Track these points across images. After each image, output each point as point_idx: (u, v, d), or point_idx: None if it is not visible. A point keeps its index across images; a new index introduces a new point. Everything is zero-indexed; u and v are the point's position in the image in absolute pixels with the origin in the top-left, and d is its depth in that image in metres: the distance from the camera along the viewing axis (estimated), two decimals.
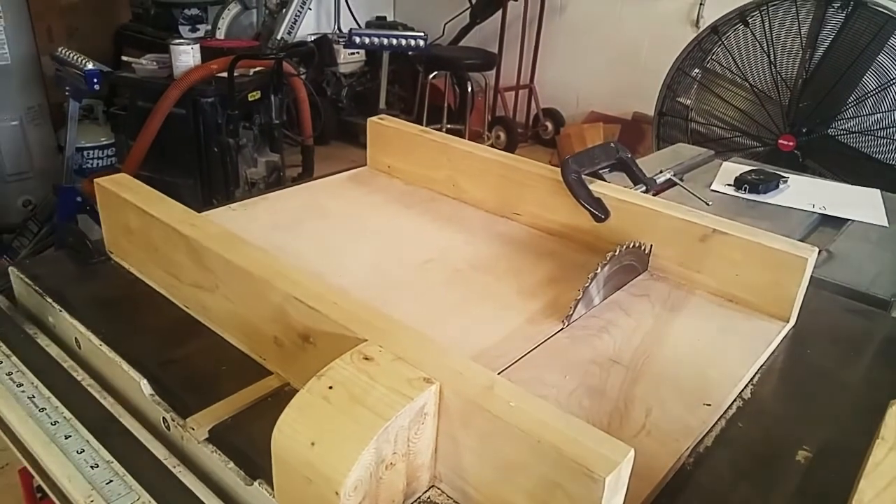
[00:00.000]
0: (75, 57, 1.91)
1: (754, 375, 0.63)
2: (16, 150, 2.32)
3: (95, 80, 1.85)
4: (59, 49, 1.97)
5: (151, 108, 2.02)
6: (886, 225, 1.02)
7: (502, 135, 3.57)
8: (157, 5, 2.62)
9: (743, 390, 0.61)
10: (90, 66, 1.88)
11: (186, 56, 2.07)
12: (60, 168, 2.12)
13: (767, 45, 1.96)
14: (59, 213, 2.04)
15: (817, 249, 0.68)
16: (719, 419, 0.57)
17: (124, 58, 2.28)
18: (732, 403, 0.60)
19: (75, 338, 0.60)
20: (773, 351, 0.67)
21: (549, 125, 3.65)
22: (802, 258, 0.67)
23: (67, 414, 0.52)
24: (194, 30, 2.53)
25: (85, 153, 2.48)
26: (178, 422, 0.50)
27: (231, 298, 0.59)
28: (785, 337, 0.69)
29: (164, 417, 0.51)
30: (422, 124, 3.16)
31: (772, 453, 0.55)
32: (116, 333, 0.59)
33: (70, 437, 0.49)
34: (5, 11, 2.18)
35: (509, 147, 3.50)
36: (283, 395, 0.55)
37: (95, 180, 0.69)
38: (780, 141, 1.99)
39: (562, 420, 0.41)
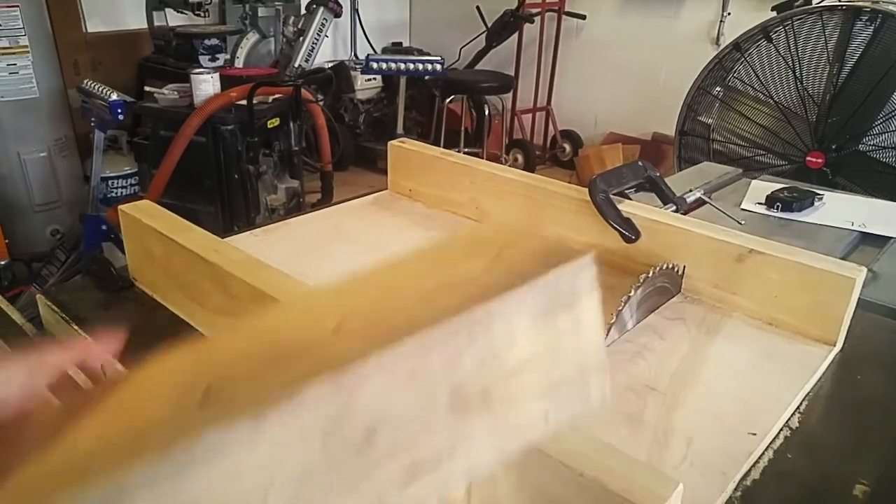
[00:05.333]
0: (100, 88, 1.95)
1: (801, 403, 0.60)
2: (44, 180, 2.37)
3: (119, 111, 1.88)
4: (85, 81, 2.01)
5: (173, 137, 2.05)
6: None
7: (520, 157, 3.57)
8: (178, 37, 2.68)
9: (790, 419, 0.58)
10: (114, 96, 1.91)
11: (206, 85, 2.10)
12: (86, 197, 2.16)
13: (792, 60, 1.93)
14: (85, 242, 2.07)
15: (865, 269, 0.65)
16: (766, 450, 0.54)
17: (147, 88, 2.32)
18: (779, 433, 0.56)
19: (101, 365, 0.59)
20: (820, 377, 0.63)
21: (567, 147, 3.64)
22: (850, 278, 0.64)
23: None
24: (214, 59, 2.58)
25: (109, 182, 2.53)
26: None
27: None
28: (832, 362, 0.65)
29: None
30: None
31: (827, 487, 0.52)
32: (141, 361, 0.58)
33: None
34: (33, 47, 2.25)
35: (527, 170, 3.49)
36: None
37: (119, 207, 0.69)
38: (809, 158, 1.95)
39: (605, 453, 0.39)
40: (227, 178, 2.15)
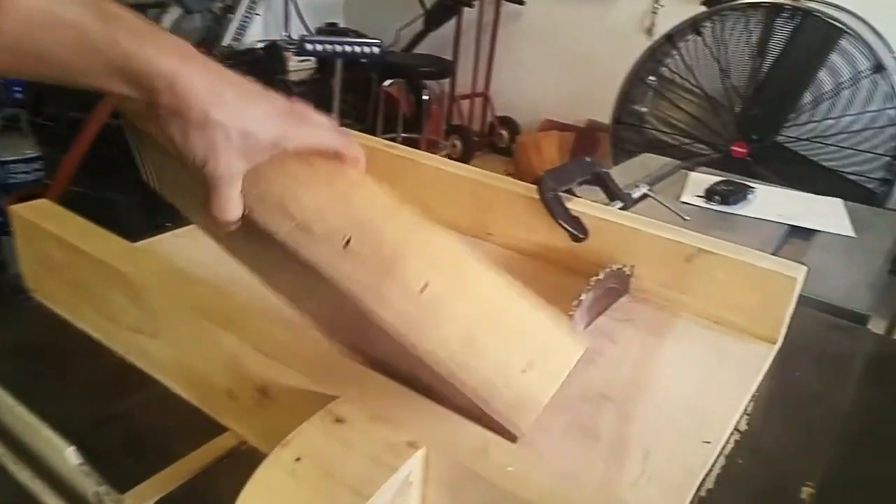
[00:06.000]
0: None
1: (748, 404, 0.60)
2: None
3: (17, 88, 1.71)
4: None
5: (84, 119, 1.88)
6: (854, 235, 1.02)
7: (458, 144, 3.53)
8: None
9: (738, 422, 0.58)
10: None
11: None
12: None
13: (719, 53, 1.99)
14: None
15: (806, 268, 0.66)
16: (718, 457, 0.54)
17: None
18: (729, 437, 0.56)
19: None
20: (763, 376, 0.64)
21: (505, 133, 3.63)
22: (792, 278, 0.64)
23: None
24: None
25: (8, 167, 2.29)
26: (112, 497, 0.42)
27: (176, 345, 0.51)
28: (773, 360, 0.66)
29: (95, 492, 0.43)
30: (376, 134, 3.09)
31: (776, 491, 0.52)
32: (39, 389, 0.51)
33: None
34: None
35: (465, 156, 3.46)
36: (240, 456, 0.48)
37: (10, 208, 0.60)
38: (733, 147, 2.02)
39: (568, 487, 0.36)
40: None
